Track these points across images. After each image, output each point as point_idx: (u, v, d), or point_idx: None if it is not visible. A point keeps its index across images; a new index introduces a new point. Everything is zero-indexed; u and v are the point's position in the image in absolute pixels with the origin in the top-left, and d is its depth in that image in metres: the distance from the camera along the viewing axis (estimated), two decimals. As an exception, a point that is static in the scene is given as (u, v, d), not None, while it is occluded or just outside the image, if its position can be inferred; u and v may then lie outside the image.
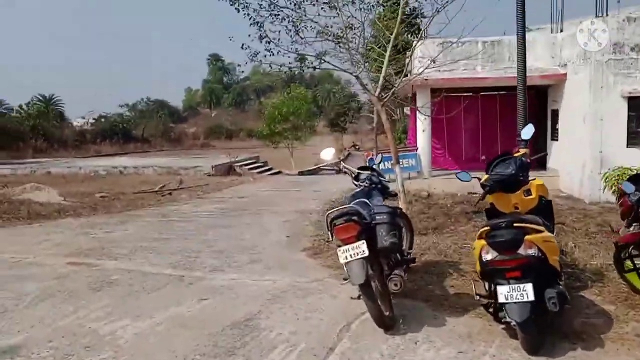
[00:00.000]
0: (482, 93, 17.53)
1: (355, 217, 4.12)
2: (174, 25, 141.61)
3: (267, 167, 25.48)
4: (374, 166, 5.62)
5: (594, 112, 13.21)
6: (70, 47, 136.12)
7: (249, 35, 9.44)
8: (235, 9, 9.54)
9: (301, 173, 25.34)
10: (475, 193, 16.39)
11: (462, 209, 12.25)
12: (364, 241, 4.03)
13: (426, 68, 10.14)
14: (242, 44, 9.10)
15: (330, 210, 4.49)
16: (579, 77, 14.02)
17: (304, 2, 9.52)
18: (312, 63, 9.72)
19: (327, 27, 9.97)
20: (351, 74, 10.11)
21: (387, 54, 10.01)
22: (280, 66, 9.40)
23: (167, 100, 68.88)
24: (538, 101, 17.20)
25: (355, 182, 5.31)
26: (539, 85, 16.20)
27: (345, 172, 5.66)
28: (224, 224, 9.24)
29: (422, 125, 16.48)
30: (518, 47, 11.46)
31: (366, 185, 5.11)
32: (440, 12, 8.99)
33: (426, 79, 13.84)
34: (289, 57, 9.30)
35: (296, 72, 10.83)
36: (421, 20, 10.83)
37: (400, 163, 17.00)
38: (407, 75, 11.48)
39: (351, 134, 57.78)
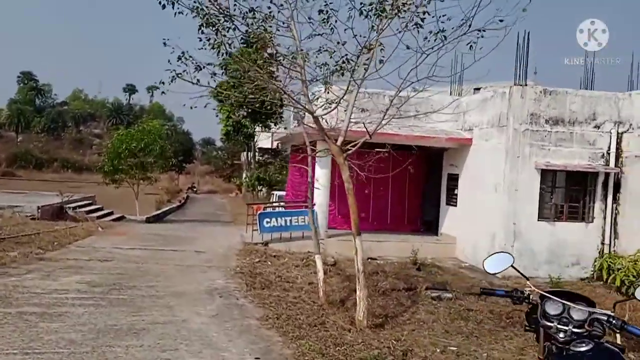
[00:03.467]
0: (376, 149, 16.15)
1: None
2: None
3: (107, 211, 20.79)
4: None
5: (510, 182, 12.46)
6: None
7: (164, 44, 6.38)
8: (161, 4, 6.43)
9: (149, 220, 21.28)
10: (375, 259, 14.75)
11: (391, 284, 10.33)
12: None
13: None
14: (182, 53, 5.98)
15: None
16: (490, 143, 13.28)
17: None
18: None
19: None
20: (310, 112, 7.59)
21: (354, 94, 7.78)
22: (231, 87, 6.41)
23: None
24: (430, 164, 16.40)
25: (548, 324, 2.75)
26: (433, 147, 15.33)
27: (515, 298, 3.03)
28: (127, 327, 5.70)
29: (321, 180, 14.40)
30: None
31: (588, 334, 2.60)
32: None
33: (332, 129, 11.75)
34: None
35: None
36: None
37: (295, 220, 14.70)
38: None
39: (184, 175, 53.55)
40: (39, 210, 17.61)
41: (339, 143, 7.73)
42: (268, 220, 13.87)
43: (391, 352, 5.88)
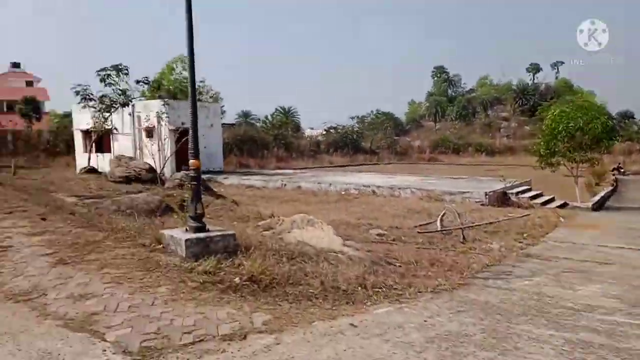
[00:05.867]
0: None
1: None
2: (398, 37, 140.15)
3: (547, 197, 19.09)
4: None
5: None
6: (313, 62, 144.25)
7: None
8: None
9: (594, 207, 18.44)
10: None
11: None
12: None
13: None
14: None
15: None
16: None
17: None
18: None
19: None
20: None
21: None
22: None
23: (393, 113, 65.73)
24: None
25: None
26: None
27: None
28: None
29: None
30: None
31: None
32: None
33: None
34: None
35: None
36: None
37: None
38: None
39: (606, 154, 47.03)
40: (487, 197, 17.30)
41: None
42: None
43: None
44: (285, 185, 21.34)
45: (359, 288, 6.16)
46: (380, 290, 6.19)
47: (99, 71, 23.72)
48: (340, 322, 5.07)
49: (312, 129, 62.90)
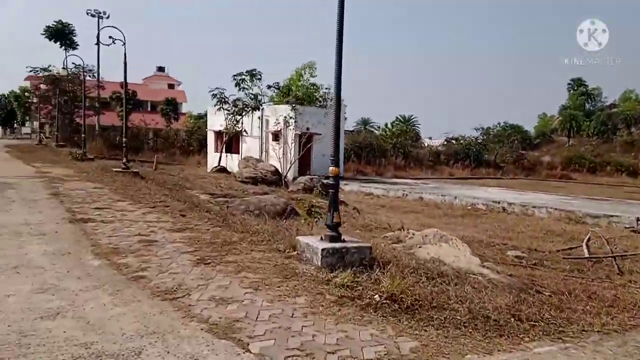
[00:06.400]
0: None
1: None
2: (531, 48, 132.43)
3: None
4: None
5: None
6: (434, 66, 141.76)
7: None
8: None
9: None
10: None
11: None
12: None
13: None
14: None
15: None
16: None
17: None
18: None
19: None
20: None
21: None
22: None
23: (521, 126, 61.75)
24: None
25: None
26: None
27: None
28: None
29: None
30: None
31: None
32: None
33: None
34: None
35: None
36: None
37: None
38: None
39: None
40: (639, 223, 15.26)
41: None
42: None
43: None
44: (406, 195, 20.68)
45: (512, 319, 5.43)
46: (536, 324, 5.41)
47: (235, 75, 24.96)
48: (497, 359, 4.43)
49: (430, 138, 61.28)
